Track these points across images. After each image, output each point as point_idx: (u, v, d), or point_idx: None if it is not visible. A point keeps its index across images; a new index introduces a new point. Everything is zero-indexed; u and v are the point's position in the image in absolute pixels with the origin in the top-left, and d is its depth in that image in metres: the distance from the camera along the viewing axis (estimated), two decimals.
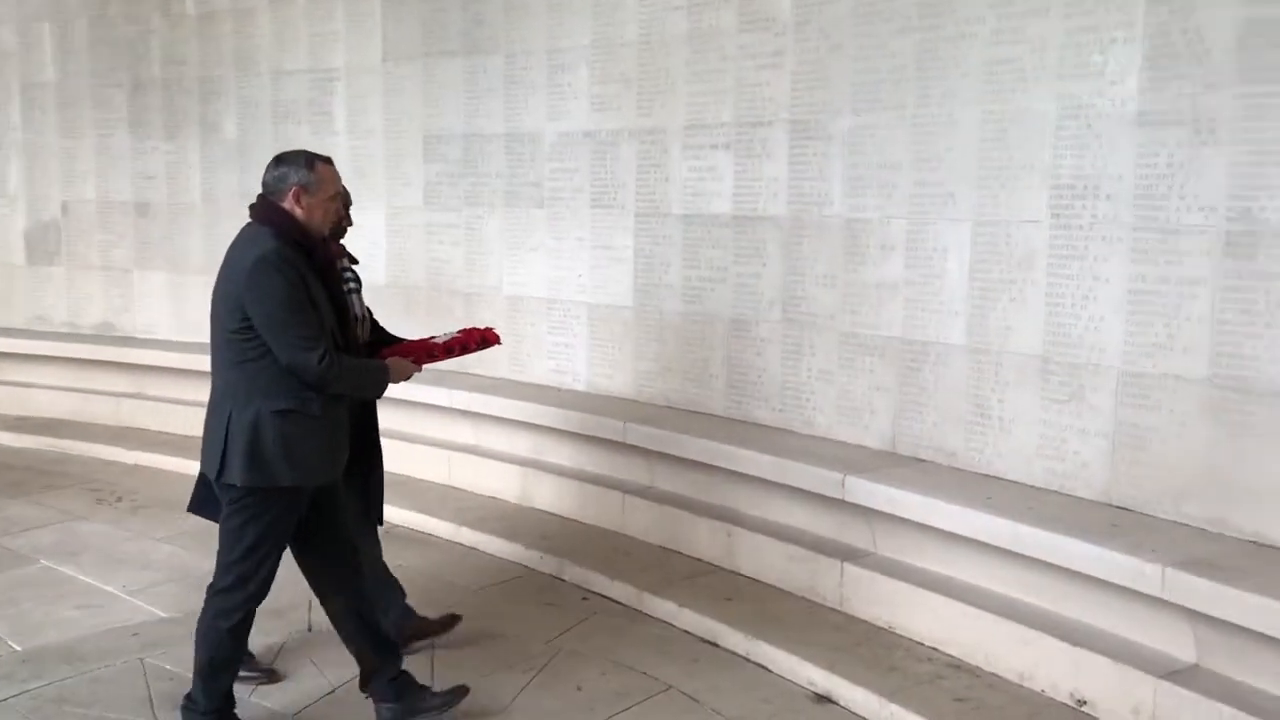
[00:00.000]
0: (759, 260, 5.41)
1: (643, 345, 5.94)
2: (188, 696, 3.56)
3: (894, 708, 3.74)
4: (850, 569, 4.49)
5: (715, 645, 4.40)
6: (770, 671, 4.18)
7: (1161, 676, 3.48)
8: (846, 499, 4.56)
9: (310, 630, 4.41)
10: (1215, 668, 3.49)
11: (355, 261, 4.18)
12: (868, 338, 4.97)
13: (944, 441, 4.70)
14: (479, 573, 5.23)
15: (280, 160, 3.50)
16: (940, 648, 4.14)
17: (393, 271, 7.14)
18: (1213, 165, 3.75)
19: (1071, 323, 4.22)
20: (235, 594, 3.47)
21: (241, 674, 3.76)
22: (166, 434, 7.27)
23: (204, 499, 3.87)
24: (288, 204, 3.44)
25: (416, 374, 3.89)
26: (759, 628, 4.34)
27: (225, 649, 3.51)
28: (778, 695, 4.01)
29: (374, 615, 3.74)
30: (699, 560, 5.08)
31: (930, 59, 4.63)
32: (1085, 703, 3.68)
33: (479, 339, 4.16)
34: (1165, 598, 3.50)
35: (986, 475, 4.51)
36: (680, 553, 5.18)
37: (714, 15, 5.48)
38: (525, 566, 5.27)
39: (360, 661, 3.70)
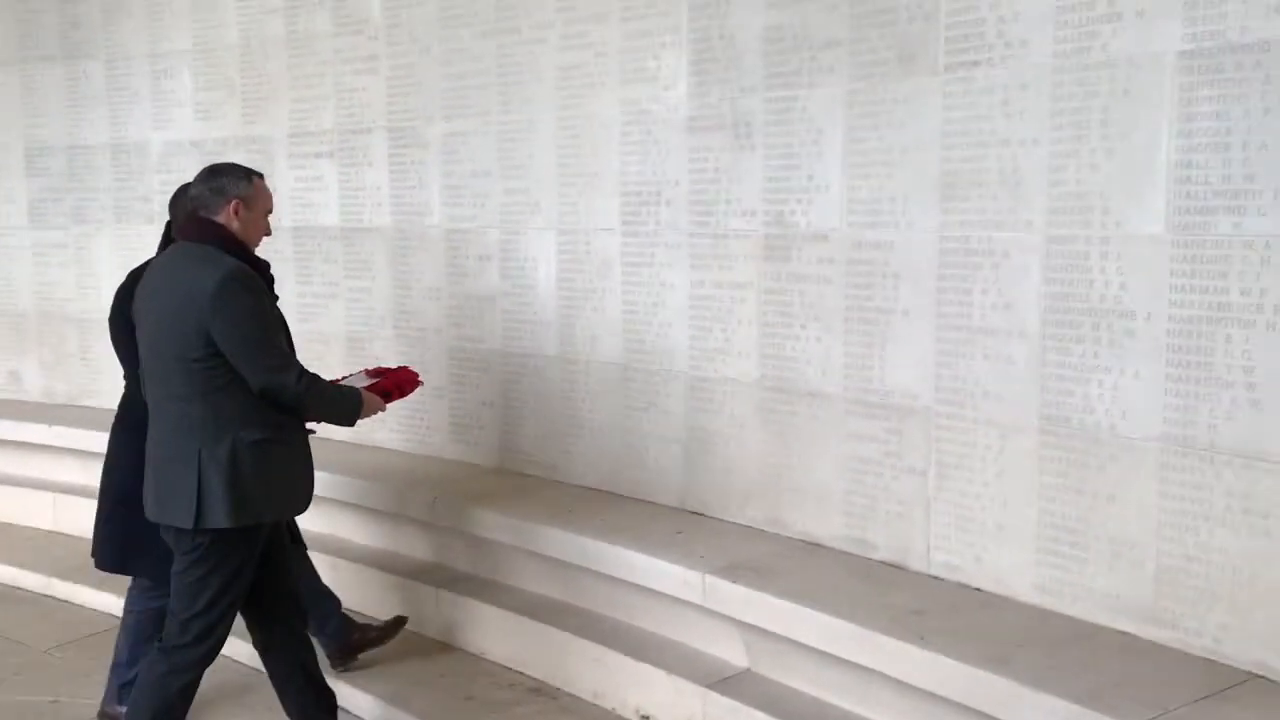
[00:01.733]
0: (369, 274, 5.17)
1: None
2: None
3: None
4: (446, 595, 4.31)
5: None
6: (348, 712, 3.93)
7: (710, 685, 3.45)
8: (436, 523, 4.39)
9: None
10: (762, 672, 3.48)
11: None
12: (473, 351, 4.82)
13: (544, 455, 4.59)
14: (63, 628, 4.76)
15: (215, 172, 3.25)
16: (526, 671, 4.01)
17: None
18: (751, 170, 3.76)
19: (645, 330, 4.18)
20: (195, 649, 3.17)
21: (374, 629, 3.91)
22: None
23: (122, 552, 3.59)
24: (223, 218, 3.17)
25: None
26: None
27: (173, 710, 3.19)
28: None
29: (318, 670, 3.49)
30: None
31: (509, 63, 4.51)
32: (649, 717, 3.61)
33: (410, 380, 3.69)
34: (707, 605, 3.47)
35: (582, 487, 4.42)
36: None
37: (309, 18, 5.20)
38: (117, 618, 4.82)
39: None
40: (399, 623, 4.15)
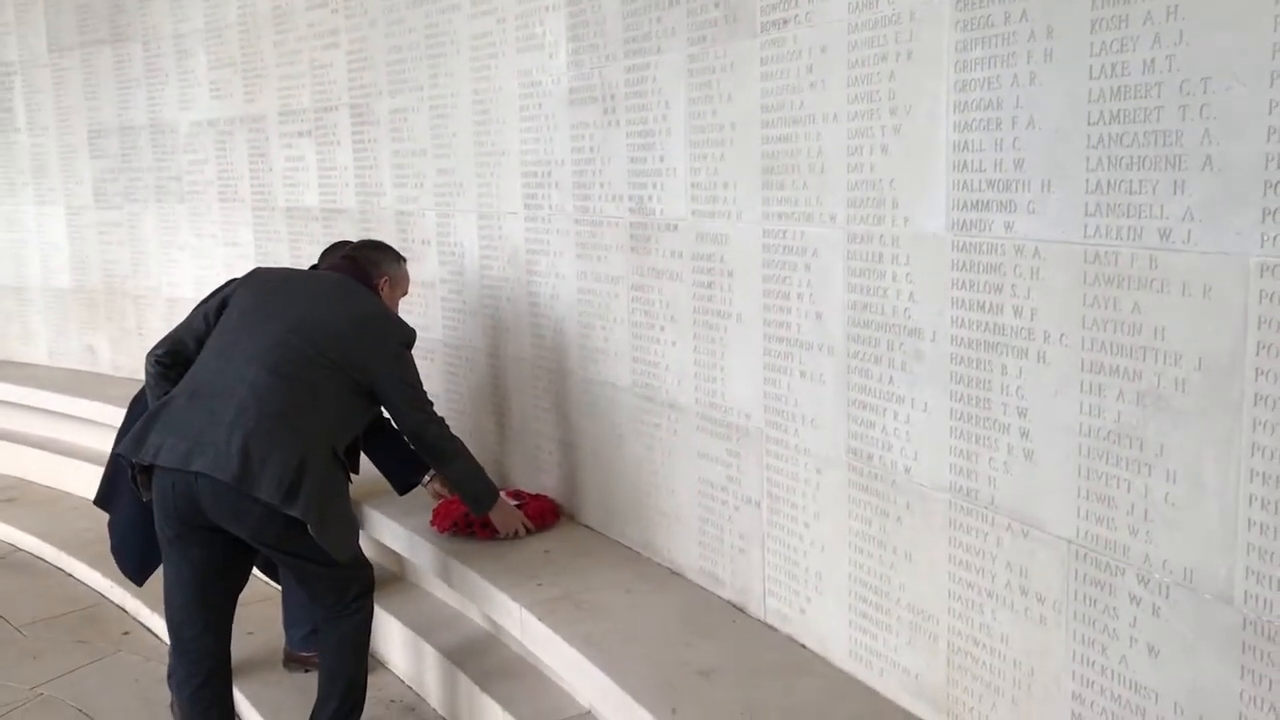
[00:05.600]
0: None
1: None
2: None
3: None
4: None
5: None
6: None
7: None
8: None
9: None
10: (603, 715, 3.11)
11: None
12: (421, 340, 4.52)
13: (478, 455, 4.30)
14: (51, 604, 4.90)
15: (376, 245, 3.67)
16: (411, 685, 3.78)
17: (76, 276, 6.82)
18: (617, 148, 3.33)
19: (544, 324, 3.82)
20: (362, 579, 3.23)
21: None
22: None
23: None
24: (375, 285, 3.48)
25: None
26: None
27: (366, 651, 3.29)
28: None
29: None
30: None
31: (435, 34, 4.22)
32: None
33: (551, 511, 3.77)
34: (523, 640, 3.12)
35: None
36: None
37: None
38: (104, 596, 4.93)
39: None
40: None
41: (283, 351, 3.05)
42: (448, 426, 3.39)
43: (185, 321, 3.35)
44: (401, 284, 3.63)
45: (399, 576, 4.18)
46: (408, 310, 4.50)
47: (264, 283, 3.31)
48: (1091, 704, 1.98)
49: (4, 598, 4.96)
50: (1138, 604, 1.85)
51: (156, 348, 3.30)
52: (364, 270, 3.46)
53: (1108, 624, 1.92)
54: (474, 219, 4.15)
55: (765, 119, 2.70)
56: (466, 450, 3.44)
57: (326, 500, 2.94)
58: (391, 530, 3.84)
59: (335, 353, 3.11)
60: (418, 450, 3.40)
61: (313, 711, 3.22)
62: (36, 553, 5.49)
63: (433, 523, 3.67)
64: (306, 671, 3.82)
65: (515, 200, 3.89)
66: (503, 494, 3.64)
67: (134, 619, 4.68)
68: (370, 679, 3.72)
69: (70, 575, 5.23)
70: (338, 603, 3.18)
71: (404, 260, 3.67)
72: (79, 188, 6.69)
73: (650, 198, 3.20)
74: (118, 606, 4.82)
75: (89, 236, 6.70)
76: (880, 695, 2.51)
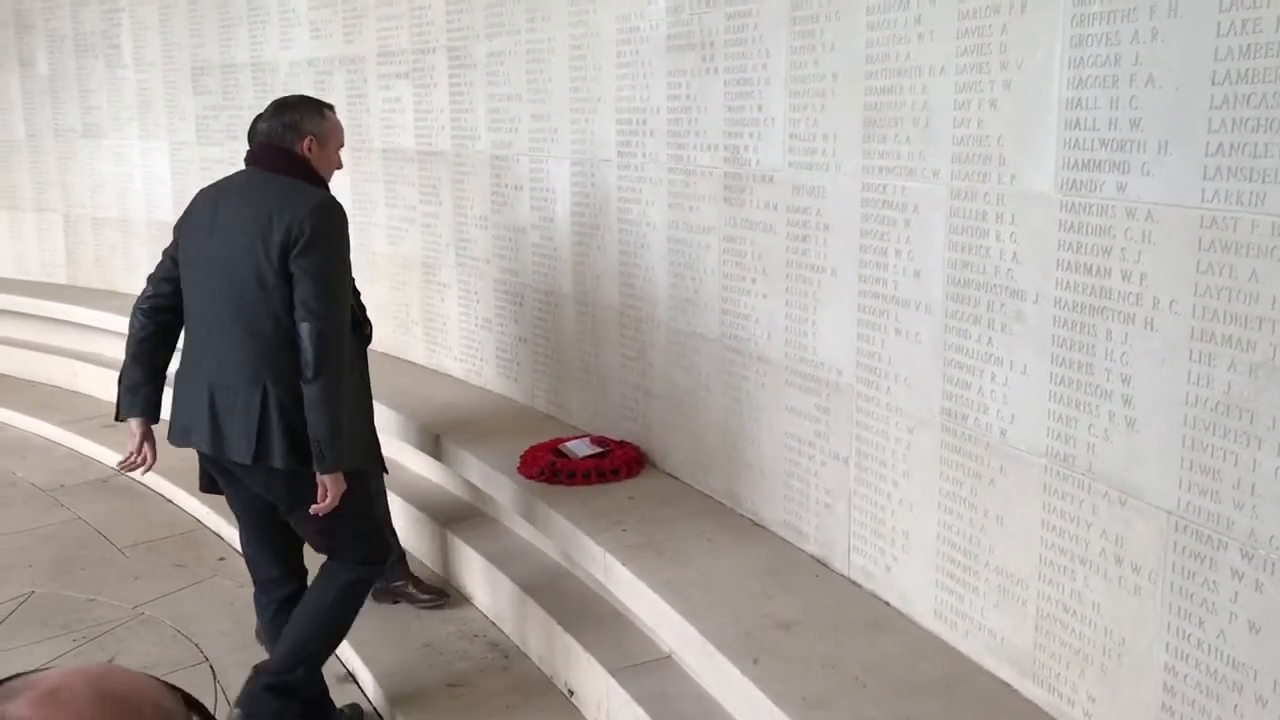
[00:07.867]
0: (436, 199, 5.08)
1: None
2: (274, 690, 3.06)
3: None
4: (445, 534, 4.22)
5: None
6: None
7: (616, 670, 3.16)
8: (441, 459, 4.28)
9: None
10: (682, 662, 3.15)
11: None
12: (511, 284, 4.63)
13: (562, 397, 4.37)
14: (151, 528, 5.09)
15: (286, 106, 3.14)
16: (498, 623, 3.87)
17: (178, 211, 6.87)
18: (714, 97, 3.30)
19: (634, 273, 3.82)
20: (377, 563, 3.19)
21: (419, 597, 3.83)
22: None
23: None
24: (299, 153, 3.04)
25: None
26: None
27: (349, 621, 3.16)
28: None
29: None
30: None
31: None
32: (574, 694, 3.38)
33: (637, 460, 3.73)
34: (607, 584, 3.16)
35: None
36: None
37: None
38: (202, 523, 5.11)
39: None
40: (441, 594, 3.98)
41: (225, 298, 2.88)
42: (340, 344, 2.86)
43: (158, 266, 3.23)
44: (332, 138, 3.14)
45: (480, 512, 4.25)
46: (502, 254, 4.55)
47: (194, 223, 3.08)
48: (1185, 677, 1.95)
49: (107, 520, 5.16)
50: (1240, 579, 1.81)
51: (140, 301, 3.20)
52: (282, 141, 3.05)
53: (1206, 597, 1.88)
54: (567, 165, 4.15)
55: (869, 70, 2.65)
56: (341, 385, 2.86)
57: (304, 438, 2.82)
58: (476, 467, 3.91)
59: (261, 274, 2.82)
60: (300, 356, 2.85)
61: (274, 651, 3.19)
62: (136, 477, 5.68)
63: (520, 469, 3.72)
64: (395, 603, 3.93)
65: (609, 147, 3.88)
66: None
67: (229, 545, 4.83)
68: (454, 613, 3.82)
69: (169, 500, 5.41)
70: (351, 556, 3.13)
71: (329, 108, 3.19)
72: (182, 124, 6.83)
73: (746, 148, 3.17)
74: (214, 533, 4.98)
75: (191, 172, 6.84)
76: (964, 656, 2.50)
